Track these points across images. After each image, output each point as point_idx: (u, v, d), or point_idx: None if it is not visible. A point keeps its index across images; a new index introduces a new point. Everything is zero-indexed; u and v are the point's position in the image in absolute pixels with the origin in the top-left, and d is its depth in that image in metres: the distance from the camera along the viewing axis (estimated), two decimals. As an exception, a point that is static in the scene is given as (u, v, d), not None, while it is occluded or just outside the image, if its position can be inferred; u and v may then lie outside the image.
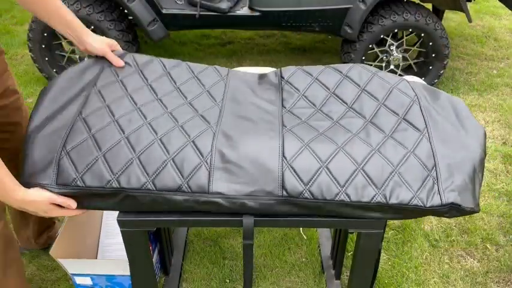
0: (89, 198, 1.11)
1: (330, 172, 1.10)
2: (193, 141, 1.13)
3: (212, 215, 1.17)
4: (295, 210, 1.12)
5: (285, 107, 1.31)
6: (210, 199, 1.08)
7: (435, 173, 1.12)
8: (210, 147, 1.12)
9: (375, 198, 1.09)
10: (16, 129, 1.51)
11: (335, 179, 1.09)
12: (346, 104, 1.31)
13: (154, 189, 1.08)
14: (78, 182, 1.08)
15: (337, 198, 1.08)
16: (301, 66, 1.46)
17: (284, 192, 1.08)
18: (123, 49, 2.86)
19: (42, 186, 1.08)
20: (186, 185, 1.08)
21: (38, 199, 1.08)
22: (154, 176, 1.08)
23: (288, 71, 1.43)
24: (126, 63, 1.37)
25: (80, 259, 1.67)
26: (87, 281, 1.68)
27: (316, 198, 1.09)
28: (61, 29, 1.34)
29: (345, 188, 1.09)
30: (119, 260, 1.62)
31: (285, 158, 1.11)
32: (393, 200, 1.09)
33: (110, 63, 1.36)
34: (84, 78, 1.30)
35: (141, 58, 1.40)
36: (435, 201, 1.09)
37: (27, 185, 1.09)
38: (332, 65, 1.44)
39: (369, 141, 1.17)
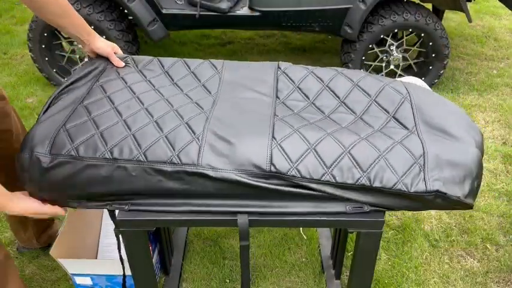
0: (78, 174, 1.12)
1: (318, 154, 1.13)
2: (186, 123, 1.19)
3: (209, 215, 1.17)
4: (284, 186, 1.13)
5: (278, 98, 1.35)
6: (199, 170, 1.10)
7: (422, 161, 1.13)
8: (202, 128, 1.17)
9: (359, 181, 1.11)
10: (5, 137, 1.48)
11: (322, 160, 1.12)
12: (339, 98, 1.35)
13: (145, 160, 1.11)
14: (72, 152, 1.12)
15: (323, 179, 1.11)
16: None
17: (272, 168, 1.11)
18: (122, 49, 2.86)
19: (35, 155, 1.11)
20: (176, 157, 1.11)
21: (28, 211, 1.15)
22: (146, 149, 1.12)
23: (286, 64, 1.48)
24: (126, 63, 1.47)
25: (79, 259, 1.67)
26: (87, 281, 1.68)
27: (303, 177, 1.11)
28: (70, 31, 1.39)
29: (331, 169, 1.12)
30: (118, 260, 1.62)
31: (275, 139, 1.15)
32: (377, 183, 1.10)
33: (112, 64, 1.46)
34: (88, 76, 1.39)
35: (140, 59, 1.49)
36: (420, 187, 1.10)
37: (22, 157, 1.13)
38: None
39: (358, 133, 1.20)
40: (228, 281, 1.86)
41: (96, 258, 1.86)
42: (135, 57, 1.50)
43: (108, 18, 2.78)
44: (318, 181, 1.11)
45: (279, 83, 1.40)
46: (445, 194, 1.10)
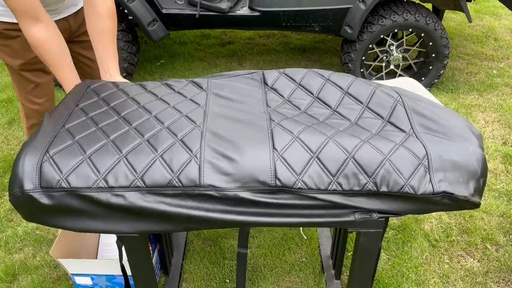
0: (77, 211, 1.08)
1: (321, 162, 1.10)
2: (181, 140, 1.13)
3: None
4: (290, 200, 1.11)
5: (269, 107, 1.32)
6: (202, 192, 1.06)
7: (426, 161, 1.12)
8: (199, 145, 1.11)
9: (366, 186, 1.10)
10: (92, 64, 1.80)
11: (326, 168, 1.10)
12: (331, 107, 1.33)
13: (143, 185, 1.06)
14: (63, 184, 1.04)
15: (329, 188, 1.09)
16: (284, 70, 1.45)
17: (277, 182, 1.08)
18: (123, 49, 2.87)
19: (27, 193, 1.04)
20: (176, 179, 1.06)
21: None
22: (142, 173, 1.06)
23: (271, 75, 1.43)
24: (106, 85, 1.41)
25: (79, 259, 1.67)
26: (87, 281, 1.68)
27: (310, 188, 1.09)
28: (99, 55, 1.53)
29: (336, 177, 1.10)
30: (118, 260, 1.62)
31: (276, 150, 1.11)
32: (383, 188, 1.09)
33: (92, 87, 1.40)
34: (68, 103, 1.31)
35: (121, 83, 1.44)
36: (427, 189, 1.09)
37: (14, 195, 1.06)
38: (314, 69, 1.45)
39: (358, 136, 1.18)
40: (228, 281, 1.86)
41: (96, 258, 1.86)
42: (117, 82, 1.46)
43: (108, 18, 2.78)
44: (325, 191, 1.09)
45: (268, 96, 1.37)
46: (452, 194, 1.09)
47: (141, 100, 1.33)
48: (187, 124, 1.19)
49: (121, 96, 1.34)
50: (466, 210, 2.17)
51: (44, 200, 1.05)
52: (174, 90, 1.41)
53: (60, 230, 1.66)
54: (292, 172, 1.09)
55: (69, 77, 1.47)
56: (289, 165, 1.09)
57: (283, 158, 1.10)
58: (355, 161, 1.10)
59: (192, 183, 1.06)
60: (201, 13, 2.81)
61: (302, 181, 1.09)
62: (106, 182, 1.05)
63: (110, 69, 1.51)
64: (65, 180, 1.05)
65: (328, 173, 1.10)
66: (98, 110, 1.26)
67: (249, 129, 1.17)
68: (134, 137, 1.14)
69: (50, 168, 1.05)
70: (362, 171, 1.10)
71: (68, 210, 1.07)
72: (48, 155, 1.08)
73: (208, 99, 1.33)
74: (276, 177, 1.08)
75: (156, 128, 1.18)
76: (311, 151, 1.11)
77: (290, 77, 1.43)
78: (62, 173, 1.05)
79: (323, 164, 1.10)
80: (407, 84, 1.59)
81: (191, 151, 1.10)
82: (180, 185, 1.06)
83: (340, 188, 1.10)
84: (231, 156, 1.09)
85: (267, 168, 1.08)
